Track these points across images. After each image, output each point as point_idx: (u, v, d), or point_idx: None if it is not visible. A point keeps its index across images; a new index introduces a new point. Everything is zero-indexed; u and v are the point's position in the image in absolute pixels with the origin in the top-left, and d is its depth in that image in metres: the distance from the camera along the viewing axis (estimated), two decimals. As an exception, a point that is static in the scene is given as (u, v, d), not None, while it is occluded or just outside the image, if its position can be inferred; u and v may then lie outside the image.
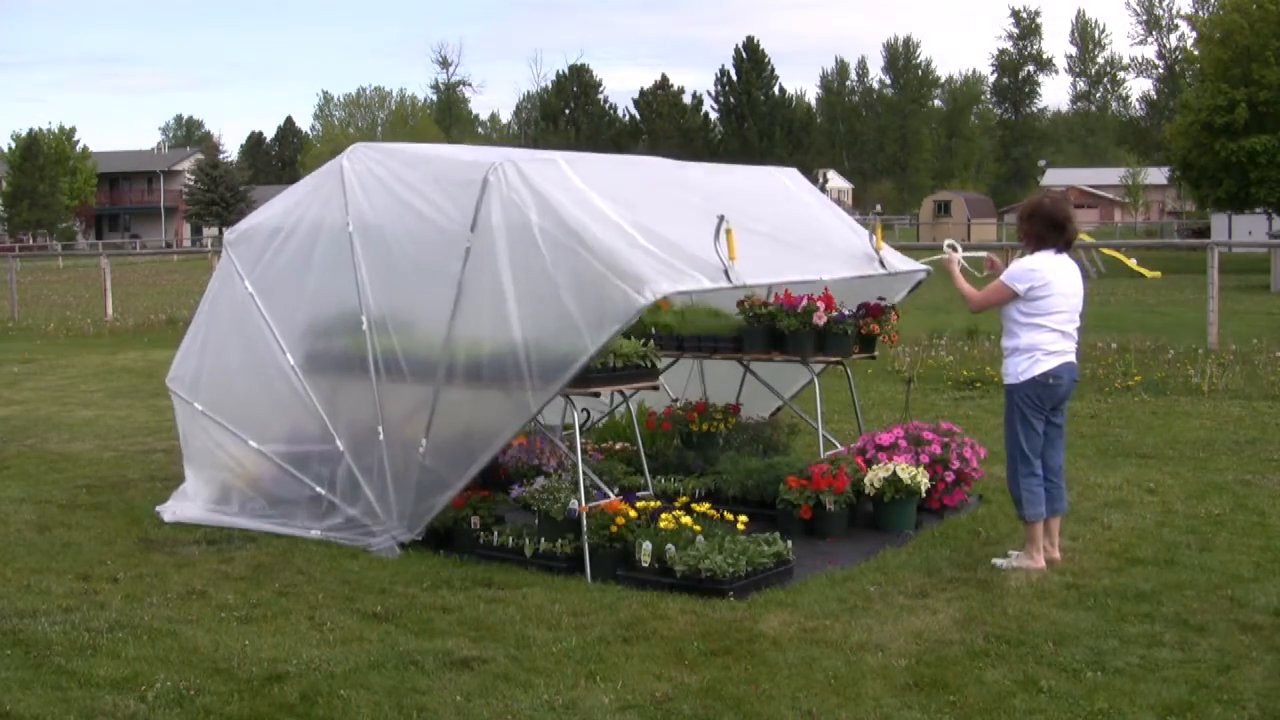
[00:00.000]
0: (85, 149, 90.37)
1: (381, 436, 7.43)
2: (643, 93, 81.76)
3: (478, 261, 7.01)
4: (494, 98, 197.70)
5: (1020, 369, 6.76)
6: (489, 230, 6.99)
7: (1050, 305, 6.72)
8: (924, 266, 8.88)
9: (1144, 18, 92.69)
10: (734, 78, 78.83)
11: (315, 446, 7.77)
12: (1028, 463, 6.81)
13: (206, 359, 8.39)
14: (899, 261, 8.60)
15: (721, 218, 6.97)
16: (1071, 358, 6.84)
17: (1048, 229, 6.80)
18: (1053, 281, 6.72)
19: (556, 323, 6.69)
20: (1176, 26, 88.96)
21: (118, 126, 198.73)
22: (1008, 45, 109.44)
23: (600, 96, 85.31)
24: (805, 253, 8.03)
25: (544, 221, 6.85)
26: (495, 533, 7.14)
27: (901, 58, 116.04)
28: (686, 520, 6.79)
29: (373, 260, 7.56)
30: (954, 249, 7.50)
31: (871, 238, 8.44)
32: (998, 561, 6.83)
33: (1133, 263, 37.73)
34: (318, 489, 7.69)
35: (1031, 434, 6.80)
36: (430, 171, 7.51)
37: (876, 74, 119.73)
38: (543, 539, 6.93)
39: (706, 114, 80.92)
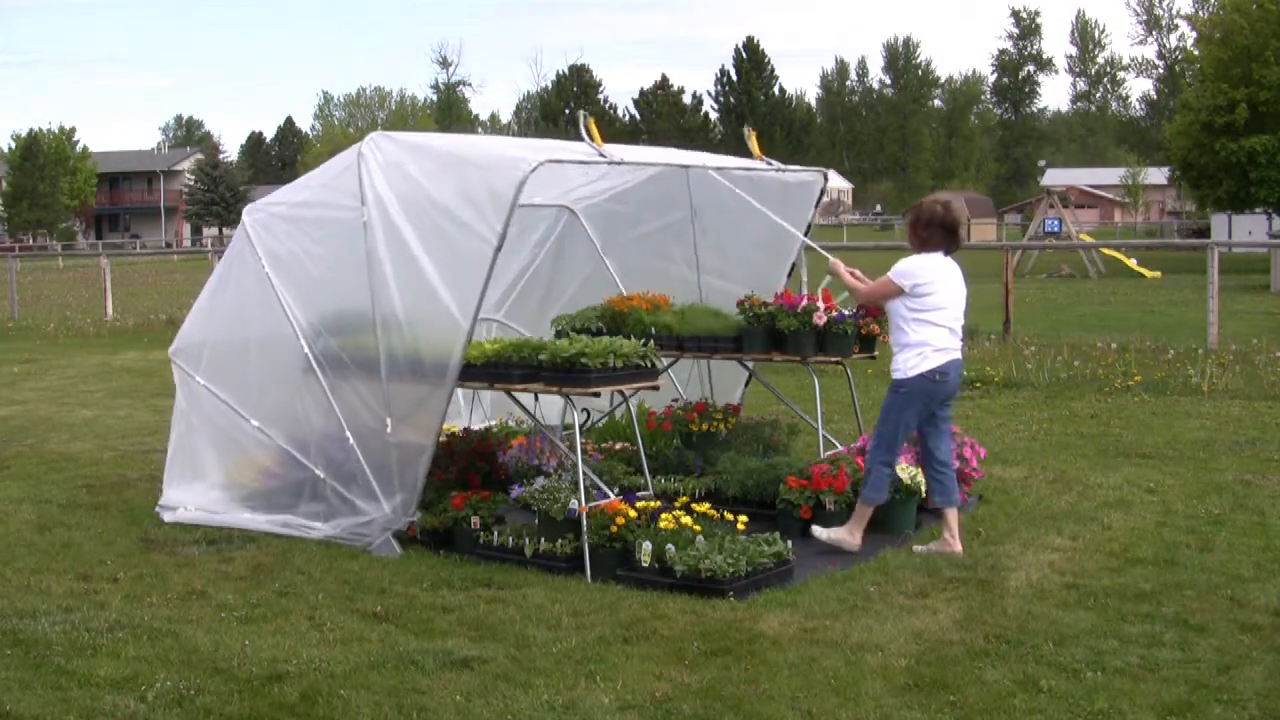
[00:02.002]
0: (85, 149, 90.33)
1: (351, 440, 7.56)
2: (643, 93, 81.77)
3: (376, 227, 7.41)
4: (494, 98, 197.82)
5: (910, 365, 7.01)
6: (377, 195, 7.43)
7: (937, 303, 7.01)
8: (818, 170, 9.31)
9: (1144, 18, 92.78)
10: (734, 78, 78.88)
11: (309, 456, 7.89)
12: (890, 453, 7.15)
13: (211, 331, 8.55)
14: (787, 170, 9.01)
15: (583, 112, 7.38)
16: (958, 355, 7.13)
17: (944, 235, 7.11)
18: (938, 280, 7.02)
19: (460, 234, 7.05)
20: (1176, 26, 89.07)
21: (118, 126, 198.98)
22: (1008, 45, 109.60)
23: (600, 96, 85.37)
24: (690, 158, 8.70)
25: (421, 164, 7.40)
26: (495, 533, 7.15)
27: (901, 58, 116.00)
28: (686, 520, 6.79)
29: (289, 282, 7.95)
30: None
31: (750, 145, 8.80)
32: (816, 530, 7.16)
33: (1133, 263, 37.74)
34: (316, 472, 7.76)
35: (904, 429, 7.09)
36: (318, 182, 8.09)
37: (876, 74, 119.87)
38: (543, 539, 6.93)
39: (706, 114, 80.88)
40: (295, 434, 7.94)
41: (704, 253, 9.58)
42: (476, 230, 6.96)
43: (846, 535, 7.13)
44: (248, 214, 8.33)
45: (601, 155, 7.20)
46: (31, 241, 79.34)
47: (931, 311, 7.00)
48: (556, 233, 10.10)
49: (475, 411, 10.25)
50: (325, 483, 7.71)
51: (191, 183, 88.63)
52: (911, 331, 7.03)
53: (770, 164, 8.64)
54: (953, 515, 7.15)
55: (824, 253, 8.20)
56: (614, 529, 6.72)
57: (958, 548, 7.05)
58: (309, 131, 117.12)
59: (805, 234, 9.10)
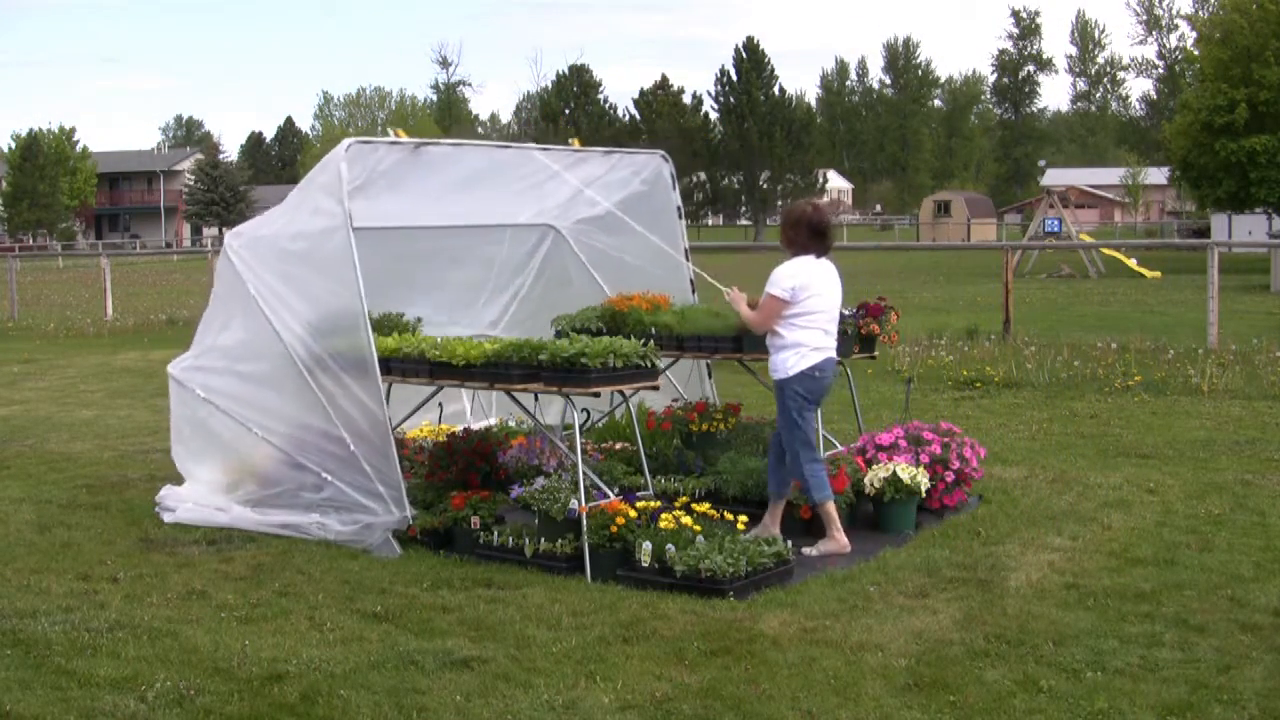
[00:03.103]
0: (85, 149, 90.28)
1: (327, 477, 7.65)
2: (643, 93, 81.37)
3: (260, 288, 8.04)
4: (494, 98, 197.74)
5: (789, 365, 7.21)
6: (247, 265, 8.16)
7: (811, 306, 7.19)
8: (654, 152, 9.81)
9: (1144, 18, 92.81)
10: (734, 78, 78.48)
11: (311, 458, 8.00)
12: (809, 449, 7.27)
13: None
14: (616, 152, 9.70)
15: (391, 129, 8.08)
16: (832, 353, 7.33)
17: (810, 237, 7.25)
18: (812, 284, 7.19)
19: (321, 238, 7.60)
20: (1176, 26, 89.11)
21: (118, 126, 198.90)
22: (1008, 45, 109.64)
23: (600, 96, 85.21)
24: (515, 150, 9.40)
25: (271, 221, 8.32)
26: (495, 533, 7.15)
27: (901, 58, 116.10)
28: (686, 520, 6.79)
29: (232, 395, 8.33)
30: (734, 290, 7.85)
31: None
32: (806, 550, 7.10)
33: (1133, 263, 37.73)
34: (323, 475, 7.80)
35: (806, 423, 7.24)
36: (217, 303, 8.65)
37: (876, 74, 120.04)
38: (543, 539, 6.93)
39: (706, 114, 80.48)
40: (276, 517, 7.96)
41: (612, 289, 9.88)
42: (327, 225, 7.49)
43: (833, 544, 7.18)
44: (173, 368, 8.75)
45: (413, 141, 7.92)
46: (31, 241, 79.29)
47: (806, 315, 7.17)
48: None
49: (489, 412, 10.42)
50: (322, 521, 7.73)
51: (191, 183, 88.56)
52: (788, 333, 7.20)
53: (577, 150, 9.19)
54: (780, 508, 7.38)
55: (695, 271, 8.88)
56: (614, 529, 6.72)
57: (776, 531, 7.24)
58: (309, 131, 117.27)
59: (680, 217, 9.72)
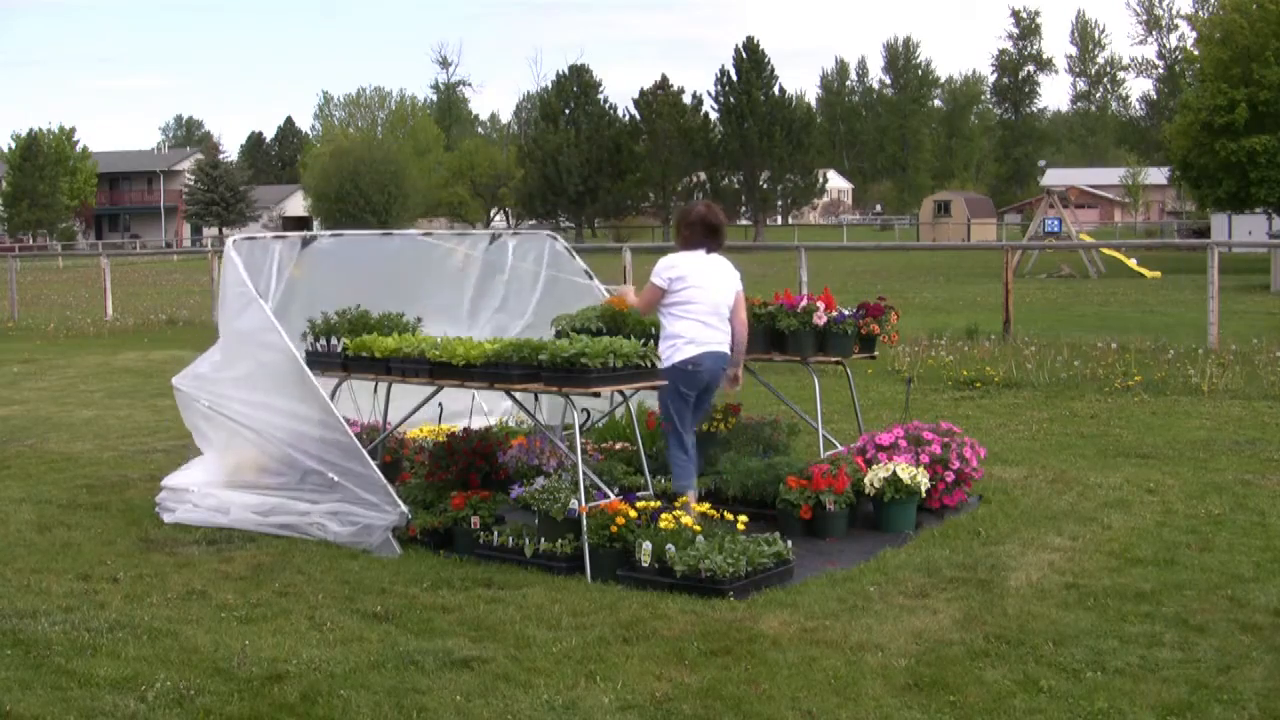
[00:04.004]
0: (85, 149, 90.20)
1: (311, 509, 7.69)
2: (643, 93, 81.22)
3: (212, 403, 8.37)
4: (494, 98, 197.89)
5: (665, 355, 7.39)
6: (196, 389, 8.51)
7: (688, 297, 7.38)
8: (541, 232, 10.69)
9: (1144, 18, 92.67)
10: (734, 78, 78.37)
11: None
12: (678, 438, 7.49)
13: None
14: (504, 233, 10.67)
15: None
16: (716, 348, 7.45)
17: (704, 233, 7.51)
18: (688, 275, 7.39)
19: (236, 323, 8.11)
20: (1176, 26, 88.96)
21: (118, 126, 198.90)
22: (1008, 45, 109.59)
23: (600, 96, 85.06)
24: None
25: (200, 356, 8.75)
26: (495, 533, 7.15)
27: (901, 58, 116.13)
28: (687, 520, 6.79)
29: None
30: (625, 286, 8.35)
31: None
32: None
33: (1133, 263, 37.75)
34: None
35: (679, 415, 7.46)
36: (189, 420, 8.84)
37: (876, 74, 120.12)
38: (543, 539, 6.93)
39: (706, 114, 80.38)
40: (276, 517, 7.99)
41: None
42: (237, 306, 8.03)
43: None
44: (161, 498, 8.59)
45: (304, 238, 8.81)
46: (31, 241, 79.25)
47: (683, 305, 7.36)
48: None
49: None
50: (321, 522, 7.74)
51: (191, 183, 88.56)
52: (668, 324, 7.42)
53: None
54: (691, 498, 7.40)
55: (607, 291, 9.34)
56: (614, 529, 6.72)
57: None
58: (309, 131, 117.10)
59: (590, 277, 10.36)
